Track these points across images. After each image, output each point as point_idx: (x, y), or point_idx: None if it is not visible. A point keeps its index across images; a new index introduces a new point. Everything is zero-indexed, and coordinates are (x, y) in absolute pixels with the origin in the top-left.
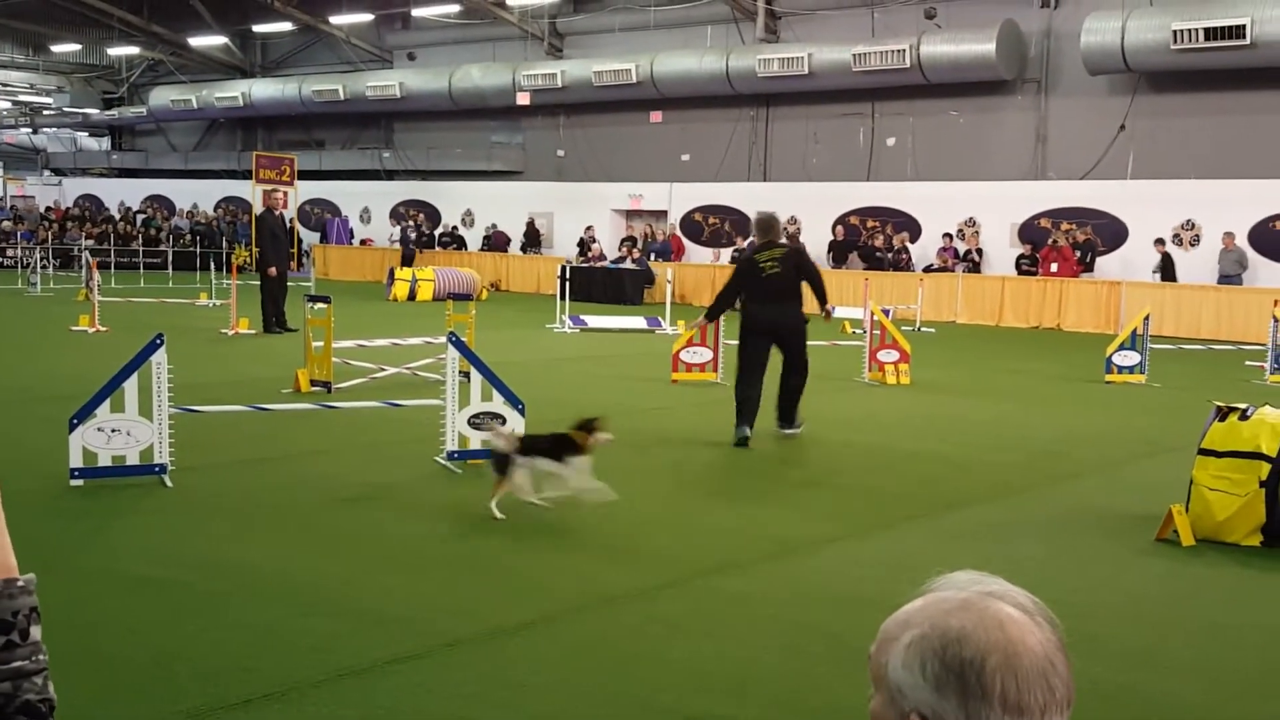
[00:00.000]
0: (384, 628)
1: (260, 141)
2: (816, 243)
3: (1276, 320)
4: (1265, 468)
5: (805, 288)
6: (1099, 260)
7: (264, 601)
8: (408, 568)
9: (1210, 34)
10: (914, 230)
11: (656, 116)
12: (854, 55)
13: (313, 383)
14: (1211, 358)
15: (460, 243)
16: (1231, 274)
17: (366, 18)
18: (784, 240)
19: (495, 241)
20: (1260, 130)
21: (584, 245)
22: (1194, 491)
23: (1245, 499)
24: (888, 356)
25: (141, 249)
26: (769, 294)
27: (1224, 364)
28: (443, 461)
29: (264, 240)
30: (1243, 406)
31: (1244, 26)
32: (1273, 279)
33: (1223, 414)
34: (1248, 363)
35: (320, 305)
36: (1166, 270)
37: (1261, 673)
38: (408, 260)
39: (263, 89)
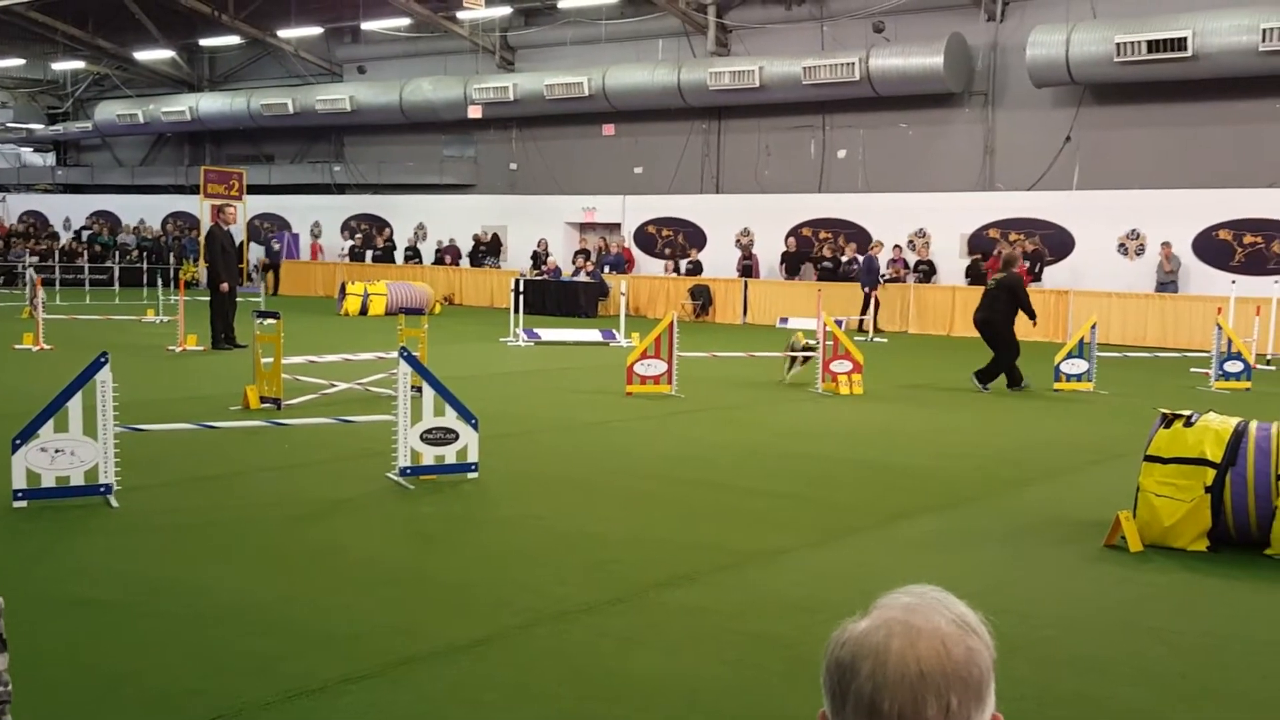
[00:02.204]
0: (335, 646)
1: (208, 156)
2: (769, 254)
3: (1220, 327)
4: (1210, 473)
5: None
6: (1047, 270)
7: (212, 622)
8: (359, 585)
9: (1152, 46)
10: (864, 241)
11: (609, 129)
12: (804, 68)
13: (262, 399)
14: (1157, 365)
15: (416, 255)
16: (1166, 283)
17: (316, 31)
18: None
19: (446, 254)
20: (1202, 141)
21: (538, 258)
22: (1141, 498)
23: (1191, 504)
24: (841, 367)
25: (87, 265)
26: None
27: (1169, 371)
28: (395, 478)
29: (213, 255)
30: (1187, 413)
31: (1185, 39)
32: (1216, 287)
33: (1168, 421)
34: (1192, 369)
35: (269, 321)
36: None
37: (1208, 677)
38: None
39: (210, 103)
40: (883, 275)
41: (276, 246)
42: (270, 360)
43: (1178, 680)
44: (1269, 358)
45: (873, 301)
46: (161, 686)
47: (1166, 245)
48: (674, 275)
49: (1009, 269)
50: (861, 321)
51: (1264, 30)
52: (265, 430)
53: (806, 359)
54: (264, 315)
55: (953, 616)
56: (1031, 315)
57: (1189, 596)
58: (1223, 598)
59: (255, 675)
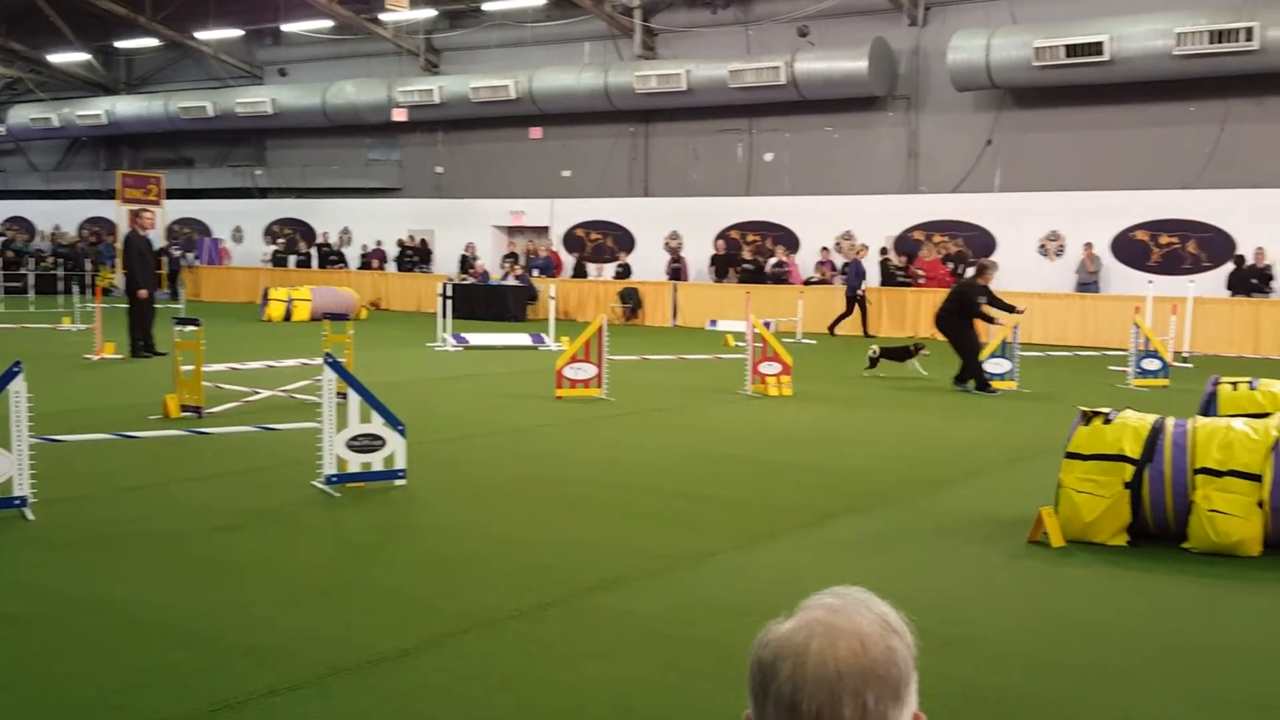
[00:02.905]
0: (260, 659)
1: (126, 160)
2: (698, 257)
3: (1138, 326)
4: (1129, 469)
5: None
6: (969, 271)
7: (134, 636)
8: (284, 596)
9: (1070, 51)
10: (792, 244)
11: (536, 133)
12: (730, 72)
13: (183, 408)
14: (1078, 364)
15: (340, 260)
16: (1088, 283)
17: (236, 33)
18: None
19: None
20: (1119, 144)
21: (465, 262)
22: (1062, 494)
23: (1111, 500)
24: (770, 369)
25: (1, 273)
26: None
27: (1090, 370)
28: (320, 486)
29: (131, 262)
30: (1106, 411)
31: (1102, 44)
32: (1133, 287)
33: (1087, 418)
34: (1112, 368)
35: (189, 328)
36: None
37: (1128, 670)
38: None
39: (127, 106)
40: (863, 280)
41: (176, 253)
42: (191, 368)
43: (1100, 673)
44: (1185, 355)
45: (857, 304)
46: (83, 703)
47: (1089, 246)
48: (602, 279)
49: (981, 272)
50: (835, 325)
51: (1177, 34)
52: (186, 439)
53: (874, 362)
54: (184, 322)
55: (874, 616)
56: (988, 319)
57: (1110, 590)
58: (1143, 591)
59: (178, 689)
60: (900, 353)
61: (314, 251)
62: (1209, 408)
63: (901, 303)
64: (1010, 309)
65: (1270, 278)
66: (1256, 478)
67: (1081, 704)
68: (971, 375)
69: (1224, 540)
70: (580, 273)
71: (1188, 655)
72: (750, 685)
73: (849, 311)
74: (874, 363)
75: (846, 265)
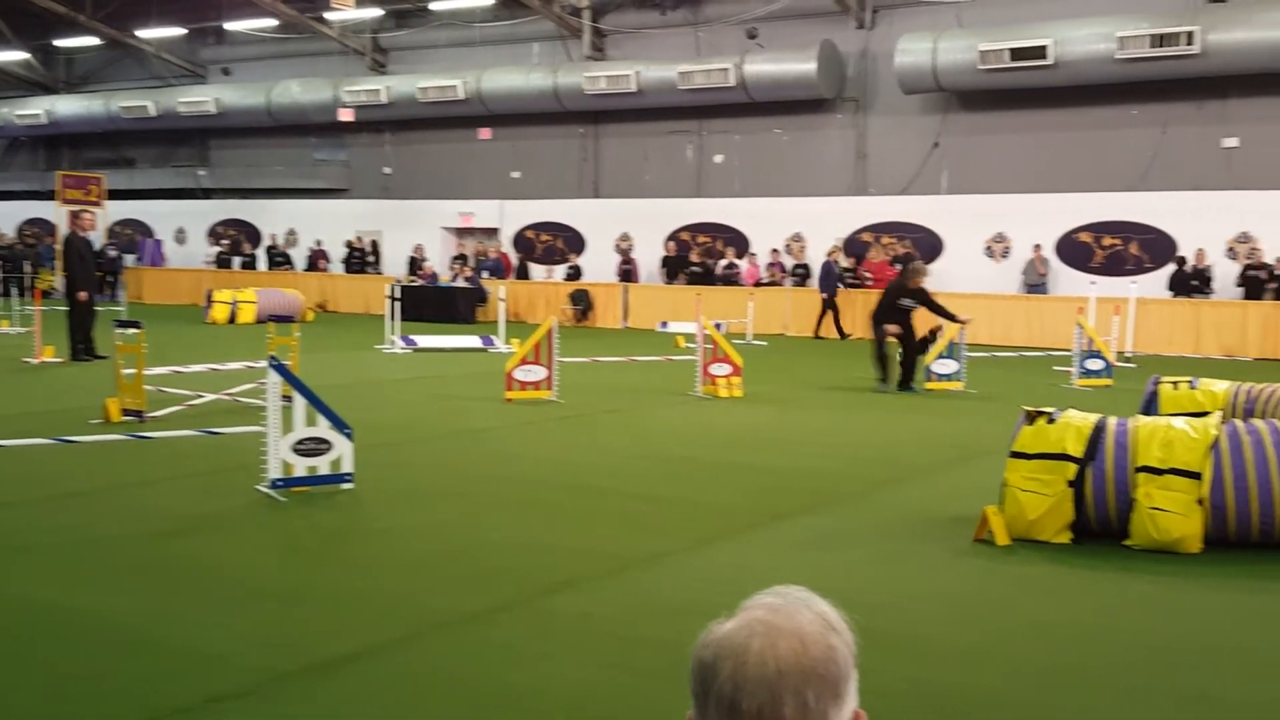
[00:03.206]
0: (204, 666)
1: (66, 160)
2: (649, 259)
3: (1081, 327)
4: (1072, 468)
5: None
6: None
7: (74, 643)
8: (229, 602)
9: (1015, 54)
10: (742, 245)
11: (485, 133)
12: (680, 73)
13: (124, 412)
14: (1023, 364)
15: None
16: (1037, 284)
17: (178, 32)
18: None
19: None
20: (1062, 146)
21: (414, 264)
22: (1007, 493)
23: (1055, 498)
24: (720, 370)
25: None
26: None
27: (1034, 370)
28: (265, 490)
29: (71, 264)
30: (1050, 410)
31: (1046, 47)
32: (1077, 288)
33: (1031, 418)
34: (1056, 368)
35: (131, 330)
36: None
37: (1074, 665)
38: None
39: (67, 105)
40: (840, 282)
41: (113, 254)
42: (132, 371)
43: (1046, 669)
44: (1128, 355)
45: (832, 306)
46: (22, 711)
47: (1038, 248)
48: (551, 280)
49: (907, 275)
50: (819, 326)
51: (1119, 39)
52: (127, 444)
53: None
54: (125, 325)
55: (814, 615)
56: (883, 321)
57: (1055, 587)
58: (1087, 588)
59: (119, 698)
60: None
61: (262, 253)
62: (1150, 407)
63: (850, 304)
64: (951, 317)
65: (1210, 279)
66: (1196, 475)
67: (1026, 699)
68: (909, 370)
69: (1165, 537)
70: (523, 274)
71: (1129, 651)
72: (692, 685)
73: (825, 312)
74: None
75: (731, 265)
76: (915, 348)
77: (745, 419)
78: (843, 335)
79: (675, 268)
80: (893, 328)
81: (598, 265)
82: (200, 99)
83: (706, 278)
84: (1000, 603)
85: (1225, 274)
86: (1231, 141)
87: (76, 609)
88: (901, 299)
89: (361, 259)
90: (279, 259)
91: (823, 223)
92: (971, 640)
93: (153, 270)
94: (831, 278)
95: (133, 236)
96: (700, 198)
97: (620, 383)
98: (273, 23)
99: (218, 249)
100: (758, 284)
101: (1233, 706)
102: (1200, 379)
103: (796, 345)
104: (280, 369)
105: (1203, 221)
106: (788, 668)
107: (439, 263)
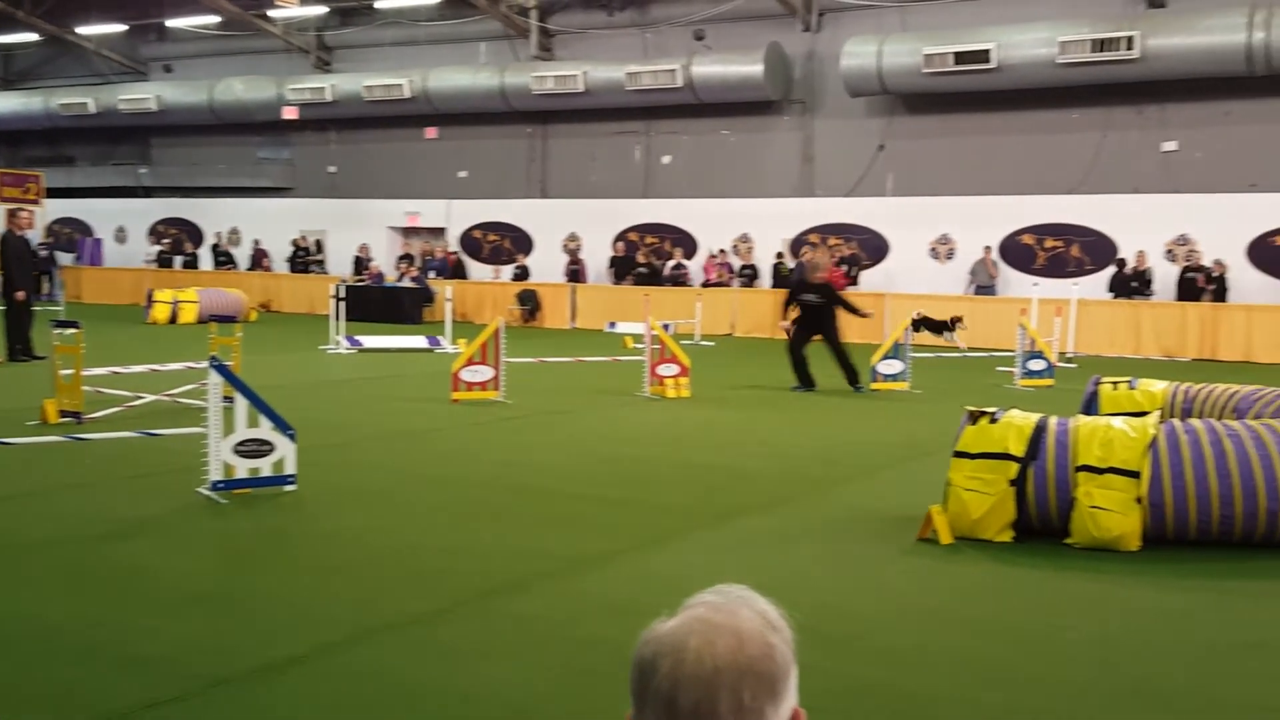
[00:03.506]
0: (142, 670)
1: (3, 158)
2: (597, 259)
3: (1023, 328)
4: (1013, 467)
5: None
6: (864, 274)
7: (7, 650)
8: (168, 606)
9: (959, 58)
10: (690, 246)
11: (432, 133)
12: (627, 74)
13: (62, 414)
14: (967, 365)
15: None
16: (987, 286)
17: (119, 28)
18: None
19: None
20: (1005, 149)
21: (360, 263)
22: (950, 492)
23: (997, 497)
24: (668, 371)
25: None
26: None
27: (978, 370)
28: (206, 492)
29: (8, 263)
30: (992, 410)
31: (989, 51)
32: (1020, 289)
33: (974, 418)
34: (999, 368)
35: (69, 330)
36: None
37: (1013, 663)
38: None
39: (5, 103)
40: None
41: (44, 253)
42: (70, 372)
43: (986, 667)
44: (1069, 356)
45: None
46: None
47: (989, 250)
48: (499, 281)
49: (801, 270)
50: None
51: (1061, 43)
52: (65, 446)
53: (917, 326)
54: (63, 325)
55: (753, 614)
56: (783, 318)
57: (997, 586)
58: (1028, 586)
59: (54, 704)
60: (938, 325)
61: (208, 253)
62: (1091, 407)
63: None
64: (855, 311)
65: (1150, 280)
66: (1135, 474)
67: (965, 696)
68: (847, 369)
69: (1105, 535)
70: (459, 274)
71: (1068, 647)
72: (631, 684)
73: None
74: (916, 327)
75: (679, 266)
76: (839, 347)
77: (693, 419)
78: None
79: (623, 268)
80: (784, 323)
81: (545, 265)
82: (141, 96)
83: (654, 278)
84: (942, 601)
85: (1165, 276)
86: (1170, 145)
87: (10, 614)
88: (803, 295)
89: (306, 258)
90: (223, 258)
91: (770, 224)
92: (912, 639)
93: (92, 269)
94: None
95: (72, 235)
96: (648, 198)
97: (568, 383)
98: (215, 20)
99: (159, 248)
100: (706, 284)
101: (1168, 700)
102: (1139, 379)
103: (744, 346)
104: (221, 369)
105: (1142, 224)
106: (724, 665)
107: (385, 262)
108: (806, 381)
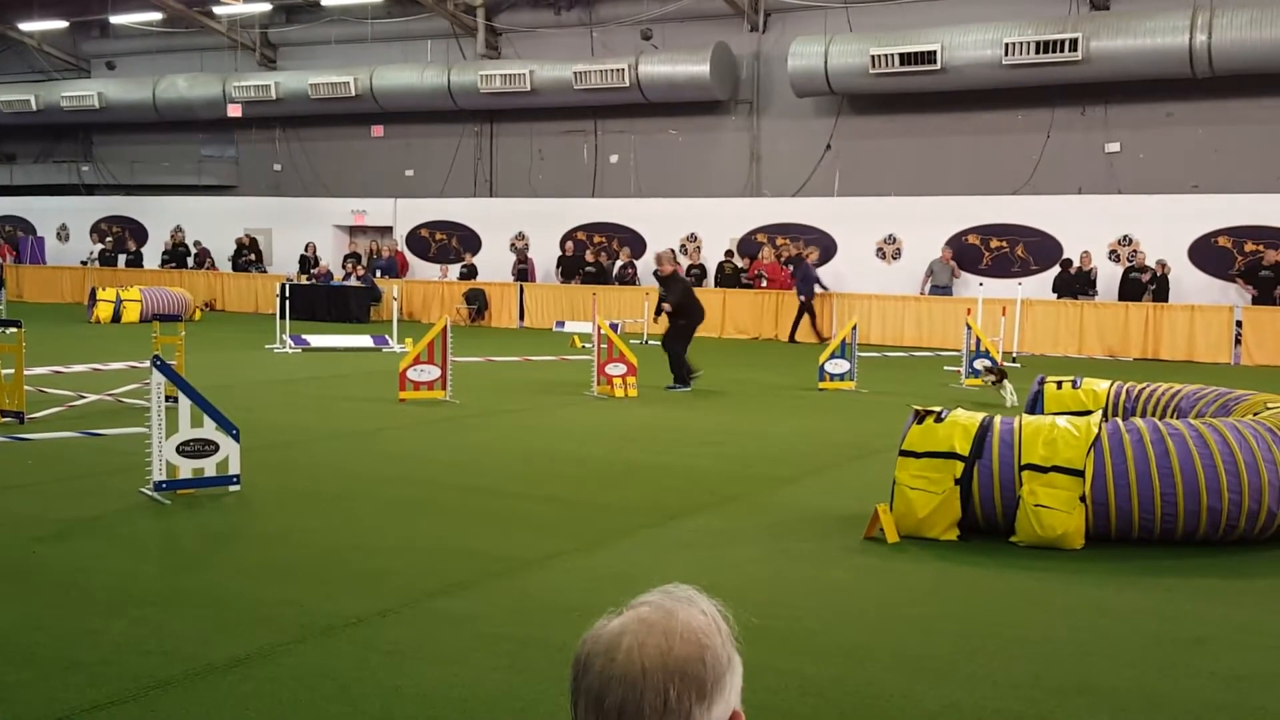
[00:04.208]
0: (81, 673)
1: None
2: (545, 259)
3: (969, 328)
4: (959, 466)
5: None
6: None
7: None
8: (109, 607)
9: (905, 59)
10: (638, 246)
11: (378, 131)
12: (575, 73)
13: (2, 413)
14: (913, 364)
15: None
16: (943, 286)
17: (60, 24)
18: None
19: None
20: (952, 150)
21: (306, 262)
22: (897, 491)
23: (943, 496)
24: (616, 370)
25: None
26: None
27: (924, 370)
28: (149, 493)
29: None
30: (938, 409)
31: (935, 52)
32: (966, 289)
33: (920, 417)
34: (945, 368)
35: (10, 329)
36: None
37: (958, 660)
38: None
39: None
40: (819, 284)
41: None
42: (11, 371)
43: (929, 663)
44: (1014, 355)
45: (808, 310)
46: None
47: (947, 251)
48: (447, 280)
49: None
50: (796, 329)
51: (1005, 45)
52: (5, 446)
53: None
54: (4, 324)
55: (694, 613)
56: (658, 312)
57: (942, 584)
58: (973, 584)
59: None
60: (1002, 374)
61: (156, 251)
62: (1035, 406)
63: (746, 306)
64: (659, 308)
65: (1094, 281)
66: (1079, 473)
67: (908, 693)
68: (677, 369)
69: (1049, 534)
70: (390, 272)
71: (1012, 644)
72: (569, 683)
73: (802, 315)
74: (998, 379)
75: (628, 266)
76: (672, 343)
77: (640, 419)
78: (821, 339)
79: (571, 268)
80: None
81: (493, 265)
82: (83, 93)
83: (602, 278)
84: (887, 599)
85: (1108, 276)
86: (1114, 146)
87: None
88: (661, 289)
89: (245, 256)
90: (167, 258)
91: (718, 223)
92: (857, 636)
93: (33, 268)
94: (808, 280)
95: (13, 233)
96: (596, 198)
97: (516, 383)
98: (159, 16)
99: (101, 246)
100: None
101: (1109, 696)
102: (1083, 378)
103: (692, 345)
104: (164, 368)
105: (1087, 225)
106: (652, 665)
107: (331, 261)
108: (683, 380)
